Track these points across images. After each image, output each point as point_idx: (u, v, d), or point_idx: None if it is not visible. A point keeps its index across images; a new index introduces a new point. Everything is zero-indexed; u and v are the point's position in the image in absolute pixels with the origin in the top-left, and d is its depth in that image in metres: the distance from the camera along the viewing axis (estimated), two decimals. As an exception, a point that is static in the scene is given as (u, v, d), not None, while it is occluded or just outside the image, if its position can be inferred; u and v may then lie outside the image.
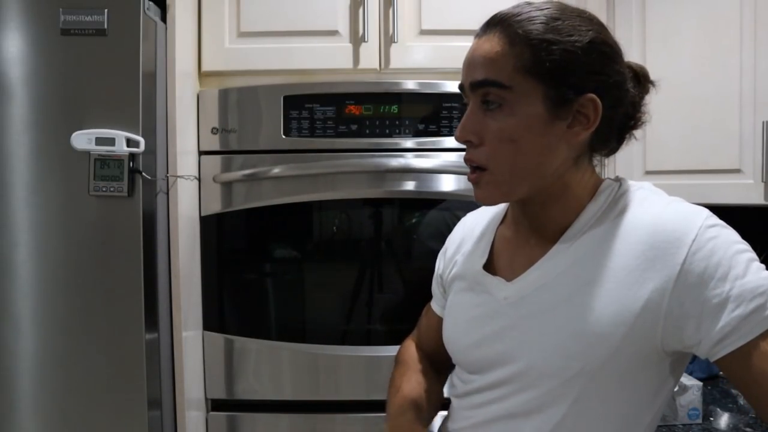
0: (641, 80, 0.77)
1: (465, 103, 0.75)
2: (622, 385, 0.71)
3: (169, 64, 1.27)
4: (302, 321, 1.48)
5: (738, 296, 0.64)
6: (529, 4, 0.73)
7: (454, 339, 0.85)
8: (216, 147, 1.43)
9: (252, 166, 1.40)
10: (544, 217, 0.76)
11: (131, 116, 1.17)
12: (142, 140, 1.17)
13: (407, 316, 1.47)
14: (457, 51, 1.41)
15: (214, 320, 1.44)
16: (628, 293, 0.68)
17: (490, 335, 0.77)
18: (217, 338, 1.44)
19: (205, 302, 1.44)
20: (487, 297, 0.79)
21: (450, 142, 1.41)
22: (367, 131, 1.42)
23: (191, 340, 1.38)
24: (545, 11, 0.71)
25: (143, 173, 1.19)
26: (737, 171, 1.43)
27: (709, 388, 1.46)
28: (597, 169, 0.79)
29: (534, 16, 0.70)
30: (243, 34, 1.45)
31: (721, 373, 1.52)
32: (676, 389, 1.26)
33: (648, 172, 1.49)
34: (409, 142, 1.42)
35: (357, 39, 1.44)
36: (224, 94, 1.43)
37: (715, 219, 0.68)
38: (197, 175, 1.41)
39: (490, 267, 0.82)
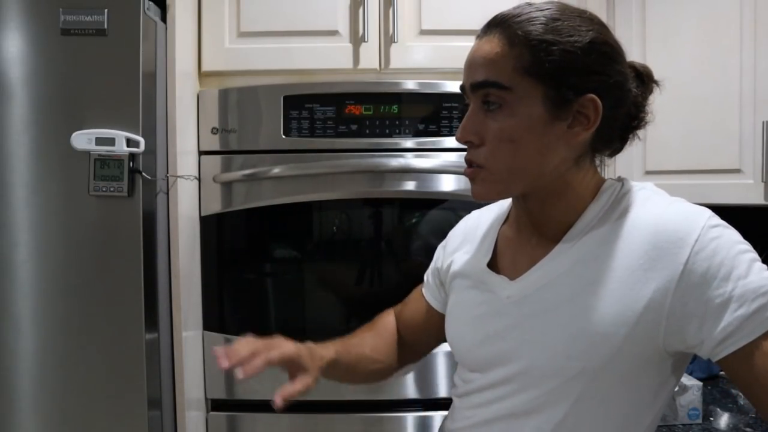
0: (645, 80, 0.77)
1: (467, 104, 0.75)
2: (624, 385, 0.71)
3: (169, 64, 1.27)
4: (302, 321, 1.48)
5: (740, 296, 0.64)
6: (530, 4, 0.73)
7: (458, 337, 0.85)
8: (216, 147, 1.42)
9: (252, 166, 1.40)
10: (545, 215, 0.76)
11: (131, 116, 1.17)
12: (142, 140, 1.17)
13: (407, 316, 1.48)
14: (457, 51, 1.41)
15: (214, 320, 1.44)
16: (630, 293, 0.68)
17: (493, 334, 0.77)
18: (217, 338, 1.44)
19: (205, 302, 1.44)
20: (491, 295, 0.79)
21: (450, 142, 1.41)
22: (367, 131, 1.42)
23: (191, 340, 1.38)
24: (545, 12, 0.71)
25: (143, 173, 1.19)
26: (737, 171, 1.43)
27: (709, 388, 1.46)
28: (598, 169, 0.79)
29: (534, 17, 0.70)
30: (243, 34, 1.45)
31: (721, 373, 1.53)
32: (676, 389, 1.26)
33: (648, 172, 1.49)
34: (409, 142, 1.42)
35: (357, 39, 1.44)
36: (224, 94, 1.43)
37: (717, 219, 0.69)
38: (197, 175, 1.41)
39: (493, 266, 0.82)
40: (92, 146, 1.16)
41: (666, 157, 1.47)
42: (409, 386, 1.42)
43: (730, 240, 0.66)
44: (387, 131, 1.42)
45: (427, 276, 0.99)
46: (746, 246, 0.67)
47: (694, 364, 1.50)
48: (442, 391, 1.41)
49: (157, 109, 1.25)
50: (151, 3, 1.22)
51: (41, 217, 1.18)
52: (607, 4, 1.49)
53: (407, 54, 1.45)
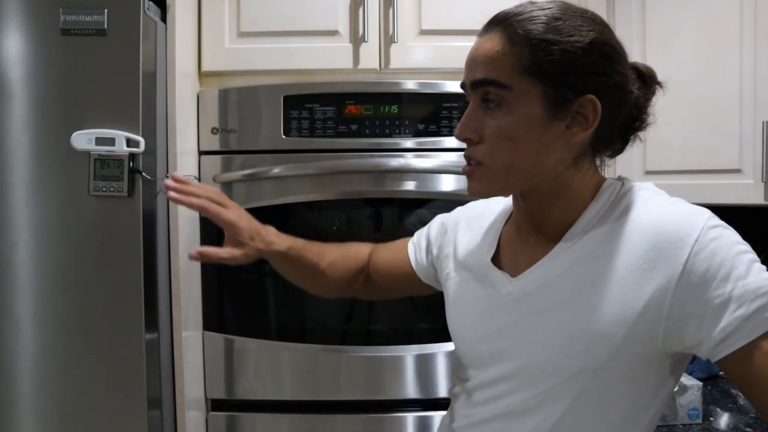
0: (647, 81, 0.76)
1: (467, 101, 0.75)
2: (622, 384, 0.71)
3: (169, 64, 1.27)
4: (302, 321, 1.48)
5: (740, 297, 0.64)
6: (533, 3, 0.72)
7: (463, 330, 0.85)
8: (216, 147, 1.43)
9: (252, 166, 1.40)
10: (545, 215, 0.76)
11: (131, 116, 1.17)
12: (142, 140, 1.17)
13: (407, 317, 1.48)
14: (457, 51, 1.42)
15: (214, 320, 1.44)
16: (629, 293, 0.68)
17: (493, 330, 0.78)
18: (217, 338, 1.44)
19: (205, 302, 1.44)
20: (492, 290, 0.79)
21: (450, 142, 1.41)
22: (367, 131, 1.42)
23: (191, 340, 1.38)
24: (547, 11, 0.70)
25: (143, 173, 1.19)
26: (737, 171, 1.43)
27: (709, 388, 1.46)
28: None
29: (535, 16, 0.70)
30: (243, 34, 1.45)
31: (721, 373, 1.53)
32: (676, 389, 1.26)
33: (648, 172, 1.49)
34: (409, 142, 1.42)
35: (357, 39, 1.44)
36: (224, 94, 1.43)
37: (716, 220, 0.69)
38: (197, 175, 1.41)
39: (495, 261, 0.82)
40: (92, 146, 1.16)
41: (666, 157, 1.47)
42: (409, 386, 1.42)
43: (730, 240, 0.66)
44: (387, 131, 1.42)
45: (419, 238, 1.01)
46: (745, 247, 0.67)
47: (694, 364, 1.50)
48: (442, 391, 1.41)
49: (157, 109, 1.25)
50: (151, 3, 1.22)
51: (41, 217, 1.18)
52: (607, 4, 1.49)
53: (407, 54, 1.45)
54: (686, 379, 1.31)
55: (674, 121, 1.44)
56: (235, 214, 0.92)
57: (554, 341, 0.72)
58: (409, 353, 1.42)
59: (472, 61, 0.73)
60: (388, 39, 1.45)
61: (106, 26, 1.16)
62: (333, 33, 1.45)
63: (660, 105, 0.78)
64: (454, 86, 1.41)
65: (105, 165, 1.16)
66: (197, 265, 1.42)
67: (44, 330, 1.19)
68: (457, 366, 0.88)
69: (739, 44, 1.42)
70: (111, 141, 1.16)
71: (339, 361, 1.43)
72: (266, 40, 1.45)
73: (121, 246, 1.18)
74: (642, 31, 1.49)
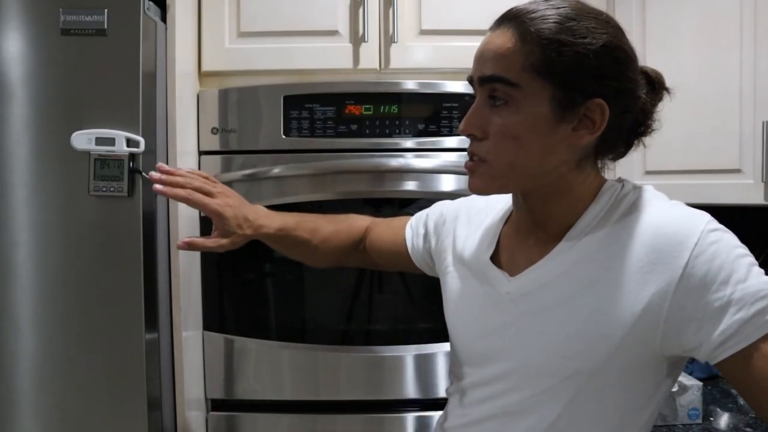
0: (656, 87, 0.76)
1: (473, 96, 0.75)
2: (619, 386, 0.71)
3: (169, 64, 1.27)
4: (302, 321, 1.48)
5: (740, 300, 0.64)
6: (547, 0, 0.71)
7: (460, 327, 0.85)
8: (216, 147, 1.42)
9: (252, 166, 1.40)
10: (545, 215, 0.76)
11: (131, 116, 1.17)
12: (142, 140, 1.17)
13: (407, 317, 1.48)
14: (457, 51, 1.43)
15: (213, 320, 1.44)
16: (628, 295, 0.68)
17: (491, 329, 0.78)
18: (217, 338, 1.44)
19: (205, 302, 1.44)
20: (490, 289, 0.79)
21: (450, 142, 1.41)
22: (367, 131, 1.42)
23: (191, 340, 1.38)
24: (561, 10, 0.69)
25: (143, 173, 1.19)
26: (737, 171, 1.43)
27: (709, 388, 1.46)
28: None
29: (548, 15, 0.69)
30: (243, 34, 1.45)
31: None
32: (676, 389, 1.26)
33: (648, 172, 1.49)
34: (409, 142, 1.42)
35: (357, 39, 1.44)
36: (224, 94, 1.43)
37: (716, 223, 0.69)
38: (197, 175, 1.41)
39: (494, 260, 0.82)
40: (92, 146, 1.16)
41: (666, 157, 1.47)
42: (409, 386, 1.42)
43: (729, 244, 0.66)
44: (387, 131, 1.42)
45: (417, 223, 1.02)
46: (744, 250, 0.67)
47: (694, 364, 1.50)
48: (442, 392, 1.41)
49: (157, 109, 1.25)
50: (151, 3, 1.22)
51: (41, 217, 1.18)
52: (607, 4, 1.49)
53: (407, 54, 1.45)
54: (686, 379, 1.31)
55: (674, 121, 1.42)
56: (220, 203, 0.93)
57: (552, 342, 0.71)
58: (408, 353, 1.42)
59: (482, 56, 0.72)
60: (388, 39, 1.45)
61: (106, 26, 1.16)
62: (333, 33, 1.45)
63: (661, 105, 0.78)
64: (454, 86, 1.41)
65: (105, 165, 1.16)
66: (197, 265, 1.42)
67: (44, 330, 1.19)
68: (454, 363, 0.88)
69: (739, 44, 1.42)
70: (111, 141, 1.16)
71: (339, 361, 1.43)
72: (266, 40, 1.44)
73: (121, 246, 1.18)
74: (642, 31, 1.49)
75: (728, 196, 1.43)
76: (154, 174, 0.91)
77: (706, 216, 0.69)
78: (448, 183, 1.42)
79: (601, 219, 0.73)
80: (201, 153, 1.43)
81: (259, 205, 1.02)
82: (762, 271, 0.66)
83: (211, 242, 0.94)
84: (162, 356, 1.29)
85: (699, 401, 1.28)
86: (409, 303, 1.47)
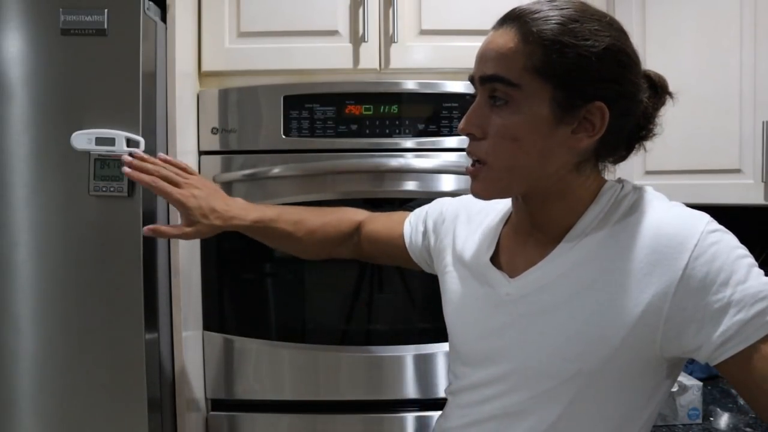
0: (659, 91, 0.75)
1: (474, 95, 0.75)
2: (619, 387, 0.71)
3: (169, 64, 1.27)
4: (302, 321, 1.48)
5: (739, 301, 0.64)
6: (551, 1, 0.71)
7: (459, 328, 0.85)
8: (216, 147, 1.42)
9: (252, 166, 1.40)
10: (545, 216, 0.76)
11: (131, 116, 1.17)
12: (142, 140, 1.17)
13: (407, 317, 1.48)
14: (457, 51, 1.43)
15: (213, 320, 1.44)
16: (628, 297, 0.68)
17: (491, 330, 0.78)
18: (217, 338, 1.44)
19: (205, 302, 1.44)
20: (490, 290, 0.79)
21: (450, 142, 1.41)
22: (367, 131, 1.42)
23: (191, 340, 1.38)
24: (564, 11, 0.69)
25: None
26: (737, 171, 1.43)
27: (709, 388, 1.46)
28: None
29: (551, 16, 0.68)
30: (243, 34, 1.45)
31: (721, 373, 1.53)
32: (676, 389, 1.26)
33: (648, 172, 1.49)
34: (409, 142, 1.42)
35: (357, 39, 1.44)
36: (224, 94, 1.43)
37: (716, 224, 0.69)
38: (197, 175, 1.41)
39: (494, 262, 0.82)
40: (92, 146, 1.16)
41: (666, 158, 1.47)
42: (408, 386, 1.42)
43: (729, 245, 0.66)
44: (387, 131, 1.42)
45: (416, 220, 1.03)
46: (744, 251, 0.67)
47: (695, 364, 1.50)
48: (441, 392, 1.41)
49: (157, 109, 1.25)
50: (151, 3, 1.22)
51: (41, 217, 1.18)
52: (607, 4, 1.49)
53: (407, 54, 1.45)
54: (686, 379, 1.31)
55: (674, 121, 1.42)
56: (184, 193, 0.95)
57: (551, 343, 0.71)
58: (408, 353, 1.42)
59: (483, 56, 0.72)
60: (388, 39, 1.44)
61: (106, 26, 1.16)
62: (333, 33, 1.45)
63: (662, 108, 0.78)
64: (454, 86, 1.41)
65: (105, 165, 1.16)
66: (197, 265, 1.42)
67: (44, 330, 1.19)
68: (453, 364, 0.88)
69: (739, 44, 1.42)
70: (111, 141, 1.16)
71: (339, 361, 1.43)
72: (266, 40, 1.44)
73: (121, 246, 1.18)
74: (642, 31, 1.49)
75: (728, 196, 1.43)
76: (126, 157, 0.94)
77: (705, 217, 0.69)
78: (448, 183, 1.42)
79: (600, 220, 0.73)
80: (201, 153, 1.43)
81: (239, 198, 1.03)
82: (762, 272, 0.66)
83: (175, 230, 0.99)
84: (162, 356, 1.28)
85: (699, 401, 1.28)
86: (408, 303, 1.47)
